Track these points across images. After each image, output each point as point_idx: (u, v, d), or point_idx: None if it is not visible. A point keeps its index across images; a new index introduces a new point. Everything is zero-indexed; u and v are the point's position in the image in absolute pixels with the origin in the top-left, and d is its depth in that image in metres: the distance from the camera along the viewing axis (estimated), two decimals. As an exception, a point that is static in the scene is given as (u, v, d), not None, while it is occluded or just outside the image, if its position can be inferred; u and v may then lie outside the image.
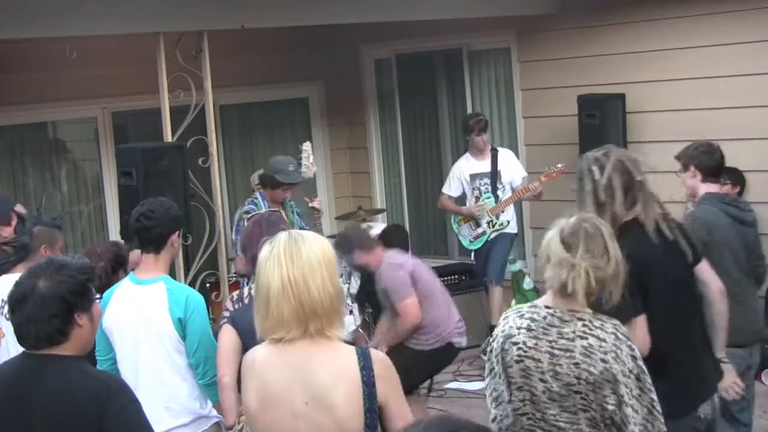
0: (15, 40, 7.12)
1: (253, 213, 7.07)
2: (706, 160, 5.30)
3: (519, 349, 3.44)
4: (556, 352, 3.39)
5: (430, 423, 1.88)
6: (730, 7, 7.90)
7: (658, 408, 3.39)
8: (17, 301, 3.17)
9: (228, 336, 4.50)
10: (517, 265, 8.92)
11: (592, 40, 8.74)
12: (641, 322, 3.88)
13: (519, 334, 3.46)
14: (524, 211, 9.27)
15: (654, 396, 3.40)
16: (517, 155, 9.51)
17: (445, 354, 6.68)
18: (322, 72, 10.59)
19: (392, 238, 8.36)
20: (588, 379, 3.34)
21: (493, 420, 3.53)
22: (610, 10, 8.61)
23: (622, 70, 8.52)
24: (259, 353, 3.13)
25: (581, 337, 3.38)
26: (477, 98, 9.93)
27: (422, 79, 10.46)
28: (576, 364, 3.36)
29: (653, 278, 3.97)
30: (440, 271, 9.37)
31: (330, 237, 7.88)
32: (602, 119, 8.32)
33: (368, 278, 7.96)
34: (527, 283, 8.87)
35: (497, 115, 9.80)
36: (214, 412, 4.69)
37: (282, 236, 3.11)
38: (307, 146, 7.12)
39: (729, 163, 7.97)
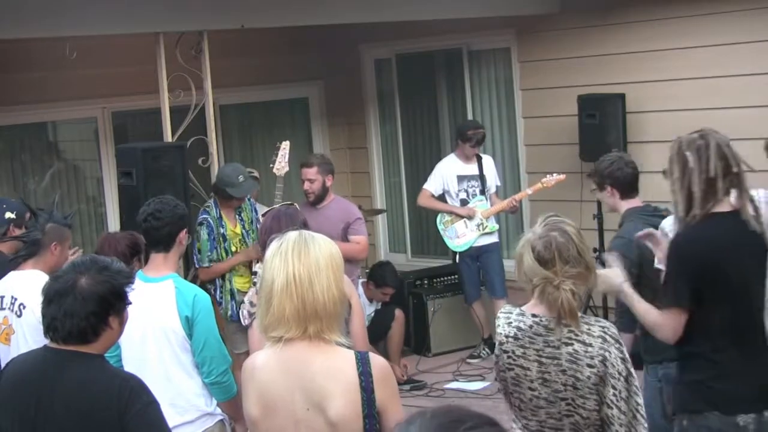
0: (15, 40, 7.12)
1: (206, 221, 7.06)
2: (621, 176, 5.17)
3: (509, 357, 3.45)
4: (544, 360, 3.38)
5: (436, 412, 1.86)
6: (730, 7, 7.90)
7: (642, 412, 3.38)
8: (57, 293, 3.20)
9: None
10: None
11: (592, 40, 8.74)
12: (675, 313, 3.88)
13: (507, 342, 3.46)
14: (524, 211, 9.25)
15: (640, 400, 3.38)
16: (517, 155, 9.52)
17: None
18: (322, 72, 10.59)
19: (382, 274, 8.47)
20: (575, 385, 3.34)
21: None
22: (610, 10, 8.61)
23: (622, 70, 8.52)
24: (258, 359, 3.12)
25: (566, 344, 3.37)
26: (477, 98, 9.93)
27: (422, 79, 10.46)
28: (563, 371, 3.35)
29: (722, 269, 3.90)
30: (439, 271, 9.41)
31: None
32: (602, 119, 8.32)
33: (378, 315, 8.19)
34: None
35: (497, 115, 9.80)
36: (219, 410, 4.72)
37: (292, 234, 3.09)
38: (285, 145, 7.24)
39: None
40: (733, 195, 4.00)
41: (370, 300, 8.40)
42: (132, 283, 3.35)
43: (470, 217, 8.59)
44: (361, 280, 8.25)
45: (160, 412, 3.25)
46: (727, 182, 3.97)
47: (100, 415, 3.12)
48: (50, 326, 3.21)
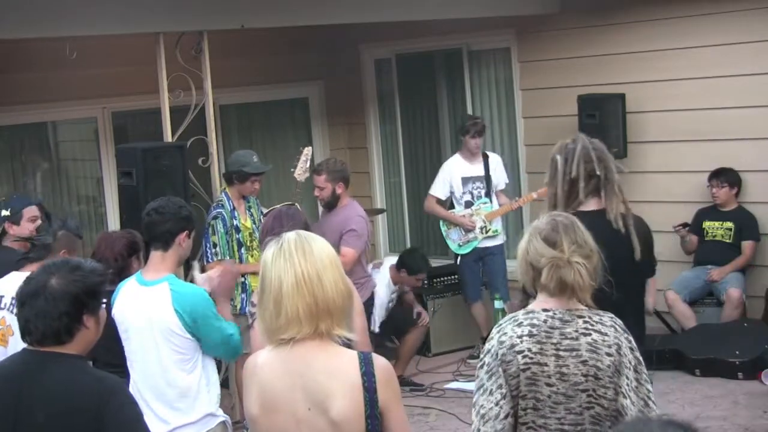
0: (15, 40, 7.12)
1: (221, 215, 7.09)
2: None
3: (524, 357, 3.38)
4: (562, 353, 3.37)
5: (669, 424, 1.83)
6: (730, 7, 7.91)
7: (653, 399, 3.40)
8: (28, 295, 3.18)
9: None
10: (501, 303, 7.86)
11: (592, 40, 8.75)
12: None
13: (522, 342, 3.39)
14: (525, 213, 9.25)
15: (650, 387, 3.40)
16: (517, 155, 9.52)
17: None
18: (322, 72, 10.59)
19: (416, 261, 8.37)
20: (597, 375, 3.34)
21: None
22: (610, 10, 8.62)
23: (622, 70, 8.53)
24: (260, 358, 3.12)
25: (584, 334, 3.37)
26: (477, 98, 9.93)
27: (422, 79, 10.47)
28: (584, 362, 3.35)
29: None
30: (439, 271, 9.40)
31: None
32: (602, 119, 8.32)
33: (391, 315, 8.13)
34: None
35: (497, 115, 9.80)
36: (221, 411, 4.72)
37: (290, 235, 3.10)
38: (308, 151, 7.22)
39: (729, 163, 8.05)
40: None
41: (395, 284, 8.33)
42: (106, 281, 3.32)
43: (469, 230, 8.54)
44: (389, 263, 8.33)
45: (138, 413, 3.22)
46: (592, 185, 4.13)
47: (79, 416, 3.10)
48: (25, 329, 3.19)
